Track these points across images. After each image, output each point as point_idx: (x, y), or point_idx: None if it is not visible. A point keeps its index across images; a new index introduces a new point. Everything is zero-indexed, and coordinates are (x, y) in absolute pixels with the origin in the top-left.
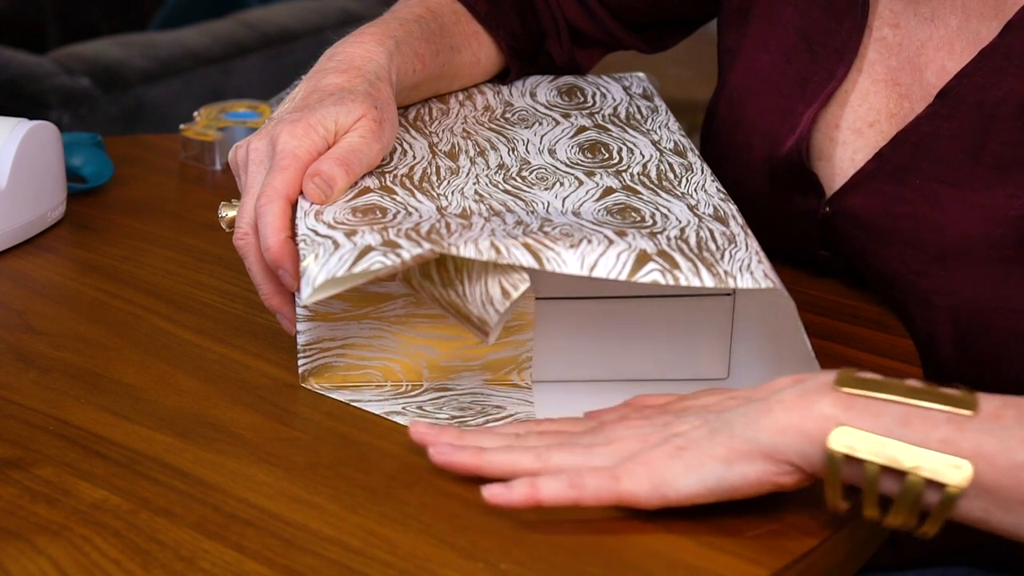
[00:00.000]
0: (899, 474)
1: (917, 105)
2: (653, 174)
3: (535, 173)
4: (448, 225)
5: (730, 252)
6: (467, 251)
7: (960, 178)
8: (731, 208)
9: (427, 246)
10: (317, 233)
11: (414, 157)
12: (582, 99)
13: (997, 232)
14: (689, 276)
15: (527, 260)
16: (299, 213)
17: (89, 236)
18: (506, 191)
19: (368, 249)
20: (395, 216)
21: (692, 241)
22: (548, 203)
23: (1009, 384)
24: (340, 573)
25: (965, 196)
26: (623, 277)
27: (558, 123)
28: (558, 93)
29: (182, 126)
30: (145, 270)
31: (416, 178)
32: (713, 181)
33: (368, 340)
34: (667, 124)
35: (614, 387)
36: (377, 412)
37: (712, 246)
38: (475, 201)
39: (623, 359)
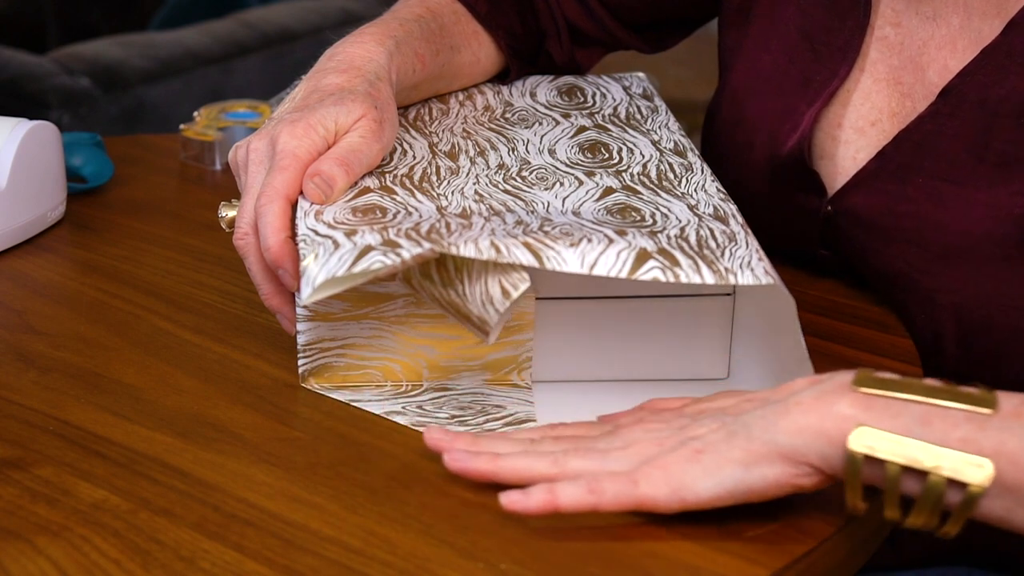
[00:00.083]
0: (920, 474)
1: (919, 104)
2: (653, 174)
3: (535, 173)
4: (448, 225)
5: (730, 250)
6: (467, 250)
7: (963, 176)
8: (731, 208)
9: (427, 245)
10: (317, 233)
11: (414, 157)
12: (582, 99)
13: (1000, 230)
14: (689, 273)
15: (527, 259)
16: (299, 213)
17: (89, 236)
18: (506, 191)
19: (368, 249)
20: (395, 216)
21: (692, 239)
22: (548, 203)
23: (1011, 382)
24: (340, 573)
25: (968, 194)
26: (623, 275)
27: (558, 123)
28: (558, 93)
29: (182, 126)
30: (145, 270)
31: (416, 178)
32: (713, 181)
33: (368, 340)
34: (667, 124)
35: (614, 387)
36: (377, 412)
37: (712, 244)
38: (475, 201)
39: (623, 359)
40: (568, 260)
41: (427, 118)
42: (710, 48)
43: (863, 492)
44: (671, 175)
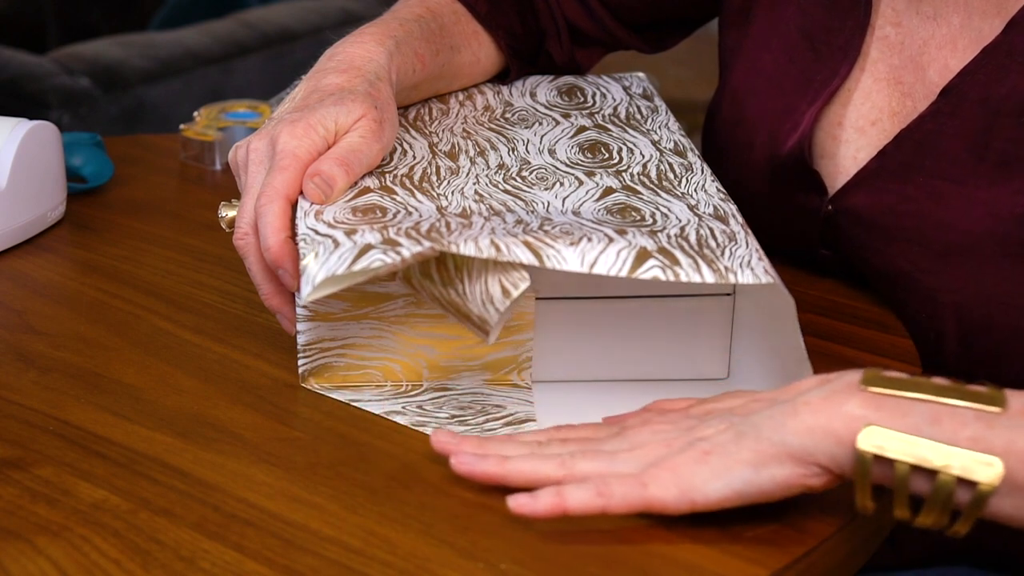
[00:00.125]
0: (930, 473)
1: (920, 103)
2: (653, 174)
3: (535, 173)
4: (448, 224)
5: (730, 249)
6: (467, 249)
7: (964, 175)
8: (731, 208)
9: (427, 244)
10: (317, 232)
11: (414, 157)
12: (582, 99)
13: (1001, 229)
14: (689, 272)
15: (527, 258)
16: (299, 213)
17: (89, 236)
18: (506, 191)
19: (368, 247)
20: (395, 216)
21: (692, 238)
22: (548, 203)
23: (1011, 381)
24: (340, 573)
25: (969, 193)
26: (623, 274)
27: (558, 123)
28: (558, 93)
29: (182, 126)
30: (145, 270)
31: (416, 178)
32: (713, 181)
33: (368, 340)
34: (667, 124)
35: (614, 387)
36: (377, 412)
37: (712, 243)
38: (475, 201)
39: (623, 359)
40: (568, 259)
41: (427, 118)
42: (710, 48)
43: (872, 492)
44: (671, 175)
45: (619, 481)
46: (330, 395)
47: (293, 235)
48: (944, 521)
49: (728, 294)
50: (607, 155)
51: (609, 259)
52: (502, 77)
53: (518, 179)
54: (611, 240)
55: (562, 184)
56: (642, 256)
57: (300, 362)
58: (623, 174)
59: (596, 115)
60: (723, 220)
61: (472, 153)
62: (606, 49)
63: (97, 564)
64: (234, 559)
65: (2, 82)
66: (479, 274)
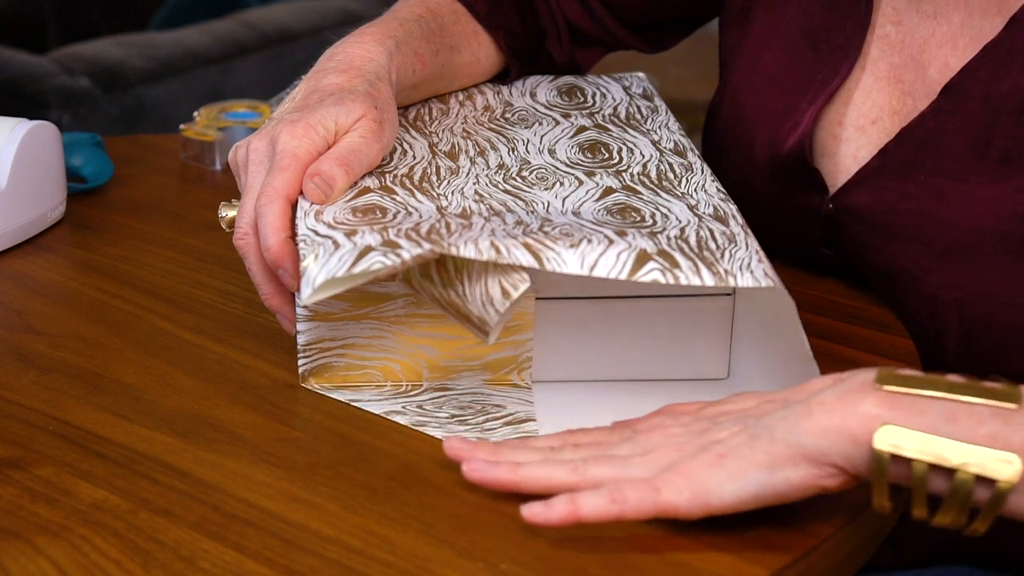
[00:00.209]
0: (947, 472)
1: (920, 102)
2: (653, 174)
3: (535, 173)
4: (448, 225)
5: (730, 251)
6: (467, 251)
7: (965, 173)
8: (731, 208)
9: (427, 246)
10: (317, 233)
11: (414, 157)
12: (582, 99)
13: (1003, 226)
14: (689, 275)
15: (527, 260)
16: (299, 213)
17: (89, 236)
18: (506, 191)
19: (368, 249)
20: (395, 216)
21: (692, 240)
22: (548, 203)
23: (1013, 379)
24: (340, 573)
25: (970, 191)
26: (623, 276)
27: (558, 123)
28: (558, 93)
29: (182, 126)
30: (145, 270)
31: (416, 178)
32: (713, 181)
33: (368, 340)
34: (667, 124)
35: (614, 387)
36: (377, 412)
37: (712, 245)
38: (475, 201)
39: (623, 359)
40: (568, 261)
41: (427, 118)
42: (710, 48)
43: (889, 492)
44: (671, 175)
45: (632, 487)
46: (330, 395)
47: (293, 235)
48: (963, 520)
49: (728, 294)
50: (607, 155)
51: (609, 262)
52: (502, 77)
53: (518, 179)
54: (611, 242)
55: (562, 184)
56: (642, 258)
57: (300, 362)
58: (623, 174)
59: (596, 115)
60: (723, 221)
61: (472, 153)
62: (606, 49)
63: (97, 564)
64: (234, 559)
65: (2, 82)
66: (479, 275)
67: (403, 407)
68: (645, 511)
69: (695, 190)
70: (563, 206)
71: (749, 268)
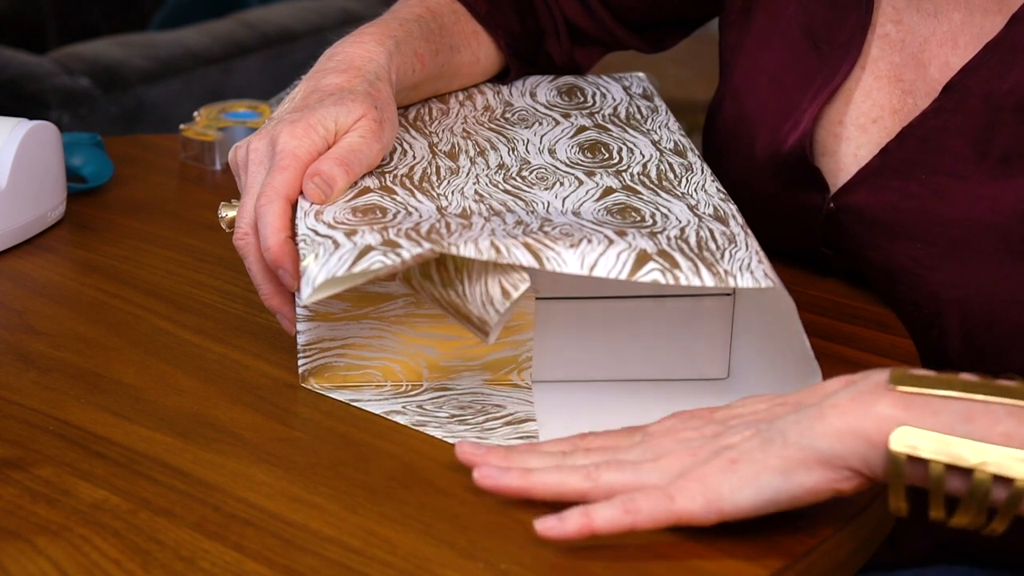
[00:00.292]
0: (965, 472)
1: (921, 101)
2: (653, 174)
3: (535, 173)
4: (448, 225)
5: (730, 252)
6: (467, 251)
7: (966, 171)
8: (731, 208)
9: (427, 246)
10: (317, 233)
11: (414, 157)
12: (582, 99)
13: (1005, 224)
14: (689, 275)
15: (527, 260)
16: (299, 213)
17: (89, 236)
18: (506, 191)
19: (368, 249)
20: (395, 216)
21: (692, 241)
22: (548, 203)
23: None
24: (340, 573)
25: (972, 189)
26: (623, 277)
27: (558, 123)
28: (558, 93)
29: (182, 126)
30: (145, 270)
31: (416, 178)
32: (713, 181)
33: (368, 340)
34: (667, 124)
35: (614, 387)
36: (377, 412)
37: (712, 246)
38: (475, 201)
39: (623, 359)
40: (568, 261)
41: (427, 118)
42: (710, 48)
43: (906, 493)
44: (671, 175)
45: (646, 496)
46: (330, 395)
47: (293, 235)
48: (981, 520)
49: (728, 294)
50: (607, 155)
51: (609, 262)
52: (502, 77)
53: (518, 179)
54: (611, 242)
55: (562, 184)
56: (642, 259)
57: (300, 362)
58: (623, 174)
59: (596, 115)
60: (723, 221)
61: (472, 153)
62: (606, 49)
63: (97, 564)
64: (234, 559)
65: (2, 82)
66: (479, 275)
67: (403, 407)
68: (659, 520)
69: (695, 190)
70: (563, 206)
71: (749, 268)
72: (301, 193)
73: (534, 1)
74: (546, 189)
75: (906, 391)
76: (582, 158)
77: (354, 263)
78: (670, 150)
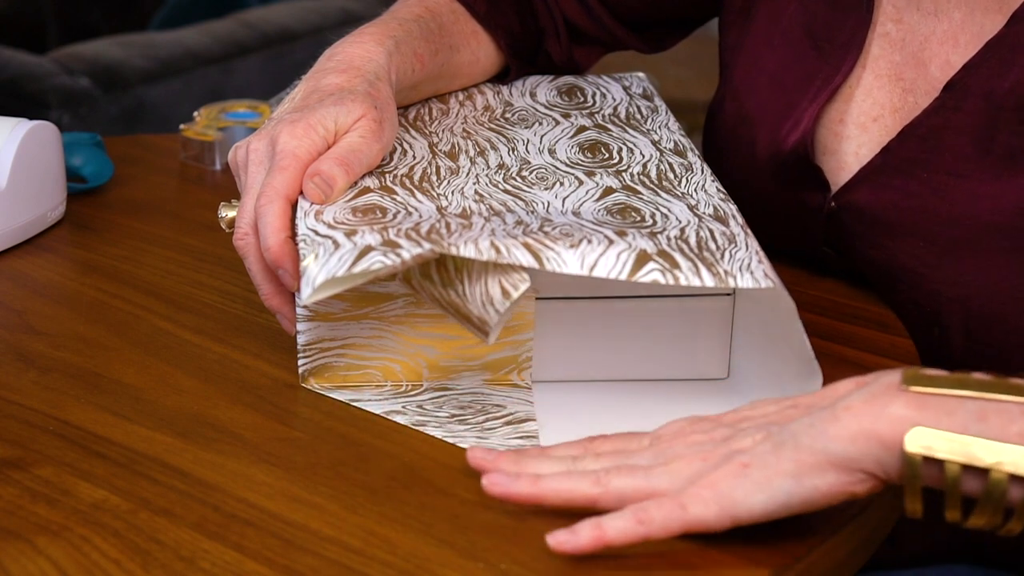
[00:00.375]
0: (981, 472)
1: (922, 100)
2: (653, 174)
3: (535, 173)
4: (448, 225)
5: (730, 252)
6: (467, 251)
7: (968, 170)
8: (731, 208)
9: (427, 246)
10: (317, 233)
11: (414, 157)
12: (582, 99)
13: (1007, 222)
14: (689, 276)
15: (527, 260)
16: (299, 213)
17: (89, 236)
18: (506, 191)
19: (368, 249)
20: (395, 216)
21: (692, 241)
22: (548, 203)
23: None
24: (340, 573)
25: (973, 187)
26: (623, 277)
27: (558, 123)
28: (558, 93)
29: (182, 126)
30: (145, 270)
31: (416, 178)
32: (713, 181)
33: (368, 340)
34: (667, 124)
35: (614, 387)
36: (377, 412)
37: (712, 246)
38: (475, 201)
39: (623, 359)
40: (568, 261)
41: (427, 118)
42: (710, 48)
43: (922, 494)
44: (671, 175)
45: (658, 505)
46: (330, 395)
47: (293, 235)
48: (997, 520)
49: (728, 294)
50: (607, 155)
51: (609, 262)
52: (502, 77)
53: (518, 179)
54: (611, 242)
55: (562, 184)
56: (642, 259)
57: (300, 362)
58: (623, 174)
59: (596, 115)
60: (723, 221)
61: (472, 153)
62: (605, 48)
63: (97, 564)
64: (234, 559)
65: (2, 82)
66: (479, 275)
67: (403, 407)
68: (672, 529)
69: (695, 190)
70: (563, 206)
71: (749, 269)
72: (301, 193)
73: (533, 1)
74: (546, 189)
75: (920, 391)
76: (582, 158)
77: (354, 263)
78: (670, 150)
